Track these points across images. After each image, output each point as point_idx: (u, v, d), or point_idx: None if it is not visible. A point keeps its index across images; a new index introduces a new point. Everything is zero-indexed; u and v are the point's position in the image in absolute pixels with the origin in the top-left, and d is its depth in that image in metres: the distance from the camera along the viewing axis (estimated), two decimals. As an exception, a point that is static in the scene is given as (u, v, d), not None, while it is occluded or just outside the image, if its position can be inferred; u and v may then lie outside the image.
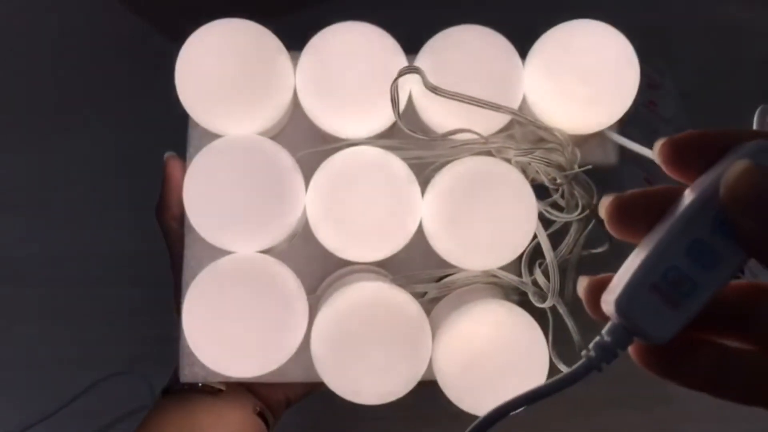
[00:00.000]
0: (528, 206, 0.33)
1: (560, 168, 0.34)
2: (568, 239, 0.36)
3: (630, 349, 0.22)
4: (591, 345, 0.22)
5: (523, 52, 0.37)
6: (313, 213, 0.34)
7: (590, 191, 0.35)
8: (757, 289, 0.22)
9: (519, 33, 0.37)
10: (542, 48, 0.36)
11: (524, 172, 0.36)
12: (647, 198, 0.22)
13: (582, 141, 0.38)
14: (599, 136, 0.37)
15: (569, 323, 0.34)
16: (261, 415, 0.39)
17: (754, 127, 0.25)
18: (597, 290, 0.23)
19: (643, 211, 0.22)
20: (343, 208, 0.33)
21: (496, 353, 0.33)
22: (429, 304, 0.37)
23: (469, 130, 0.34)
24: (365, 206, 0.33)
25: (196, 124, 0.36)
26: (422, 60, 0.35)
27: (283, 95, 0.36)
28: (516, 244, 0.34)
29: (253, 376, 0.33)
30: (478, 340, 0.34)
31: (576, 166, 0.35)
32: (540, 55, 0.36)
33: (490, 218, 0.33)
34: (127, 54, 0.61)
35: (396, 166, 0.34)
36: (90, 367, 0.52)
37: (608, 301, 0.22)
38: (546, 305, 0.34)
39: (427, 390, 0.34)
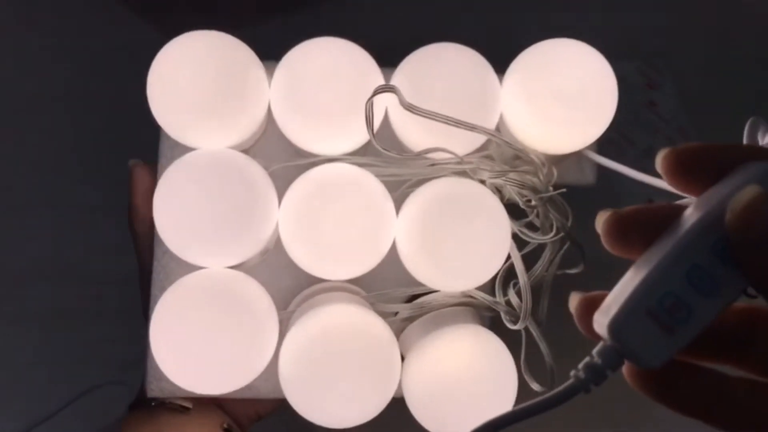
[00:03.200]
0: (502, 229, 0.36)
1: (534, 190, 0.36)
2: (543, 260, 0.38)
3: (624, 371, 0.23)
4: (581, 365, 0.23)
5: (500, 70, 0.39)
6: (286, 230, 0.36)
7: (565, 213, 0.38)
8: (756, 313, 0.23)
9: (497, 51, 0.39)
10: (520, 67, 0.38)
11: (500, 192, 0.39)
12: (646, 215, 0.23)
13: (559, 160, 0.40)
14: (576, 155, 0.39)
15: (541, 346, 0.36)
16: (228, 430, 0.41)
17: (744, 139, 0.26)
18: (589, 308, 0.23)
19: (641, 228, 0.23)
20: (317, 224, 0.36)
21: (466, 379, 0.36)
22: (401, 323, 0.39)
23: (444, 150, 0.37)
24: (339, 224, 0.36)
25: (168, 136, 0.38)
26: (398, 77, 0.38)
27: (257, 109, 0.38)
28: (489, 267, 0.37)
29: (221, 394, 0.36)
30: (447, 365, 0.36)
31: (551, 188, 0.37)
32: (517, 74, 0.38)
33: (463, 240, 0.36)
34: (122, 52, 0.62)
35: (371, 183, 0.37)
36: (81, 372, 0.56)
37: (601, 323, 0.22)
38: (518, 327, 0.36)
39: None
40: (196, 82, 0.36)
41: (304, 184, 0.36)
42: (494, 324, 0.41)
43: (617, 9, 0.64)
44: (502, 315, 0.38)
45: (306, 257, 0.37)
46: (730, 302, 0.22)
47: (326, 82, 0.37)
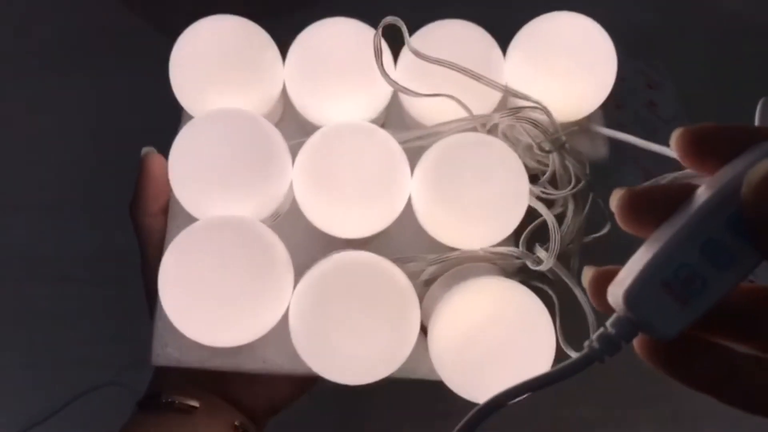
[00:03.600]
0: (519, 178, 0.36)
1: (546, 132, 0.35)
2: (568, 218, 0.37)
3: (635, 344, 0.23)
4: (594, 336, 0.23)
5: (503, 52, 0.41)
6: (300, 186, 0.36)
7: (583, 163, 0.36)
8: (765, 293, 0.23)
9: (501, 32, 0.41)
10: (521, 38, 0.40)
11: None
12: (660, 192, 0.23)
13: (570, 136, 0.41)
14: (587, 131, 0.41)
15: (576, 292, 0.34)
16: (240, 428, 0.39)
17: (756, 120, 0.26)
18: (602, 281, 0.24)
19: (655, 205, 0.23)
20: (331, 179, 0.35)
21: (497, 330, 0.33)
22: (422, 288, 0.38)
23: (454, 98, 0.36)
24: (353, 177, 0.35)
25: (189, 117, 0.39)
26: (406, 53, 0.39)
27: (272, 87, 0.39)
28: (509, 219, 0.36)
29: (234, 344, 0.34)
30: (477, 315, 0.34)
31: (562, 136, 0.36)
32: (519, 45, 0.40)
33: (480, 192, 0.35)
34: (122, 50, 0.63)
35: (384, 135, 0.36)
36: (80, 373, 0.54)
37: (616, 294, 0.23)
38: (543, 267, 0.35)
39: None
40: (214, 60, 0.38)
41: (316, 140, 0.36)
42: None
43: (617, 9, 0.66)
44: (528, 261, 0.36)
45: (320, 214, 0.36)
46: (744, 276, 0.22)
47: (336, 55, 0.38)
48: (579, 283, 0.35)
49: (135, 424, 0.38)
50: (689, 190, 0.23)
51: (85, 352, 0.55)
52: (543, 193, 0.38)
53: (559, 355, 0.34)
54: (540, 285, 0.37)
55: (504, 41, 0.40)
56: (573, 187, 0.38)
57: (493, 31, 0.40)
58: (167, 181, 0.36)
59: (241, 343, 0.34)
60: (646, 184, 0.24)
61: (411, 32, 0.38)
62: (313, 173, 0.36)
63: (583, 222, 0.38)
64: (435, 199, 0.35)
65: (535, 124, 0.37)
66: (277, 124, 0.42)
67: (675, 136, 0.23)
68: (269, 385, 0.40)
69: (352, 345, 0.32)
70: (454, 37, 0.39)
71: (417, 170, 0.37)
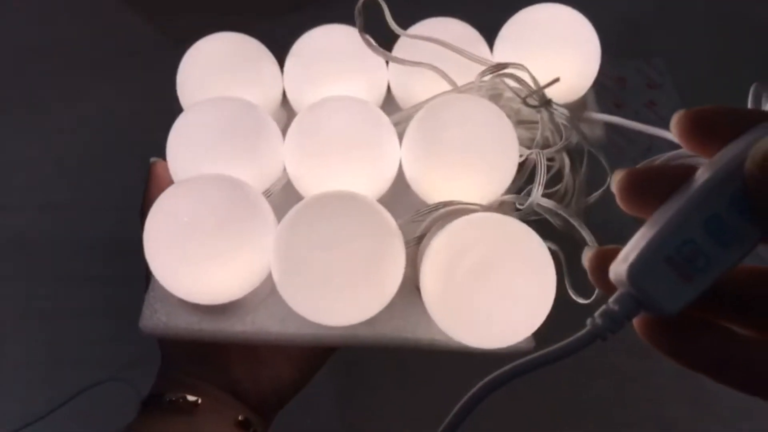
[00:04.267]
0: (502, 124, 0.36)
1: (530, 89, 0.36)
2: (565, 175, 0.37)
3: (636, 324, 0.23)
4: (597, 313, 0.23)
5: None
6: (291, 154, 0.37)
7: (570, 117, 0.37)
8: (761, 273, 0.23)
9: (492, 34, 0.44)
10: (505, 31, 0.44)
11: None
12: (661, 173, 0.24)
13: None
14: (583, 117, 0.42)
15: (584, 233, 0.34)
16: (244, 423, 0.39)
17: (749, 103, 0.27)
18: (603, 261, 0.24)
19: (656, 186, 0.23)
20: (321, 142, 0.36)
21: (486, 261, 0.31)
22: (415, 248, 0.37)
23: (436, 69, 0.39)
24: (342, 138, 0.36)
25: None
26: (397, 48, 0.42)
27: (272, 91, 0.43)
28: (500, 167, 0.36)
29: (223, 300, 0.34)
30: (465, 245, 0.31)
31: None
32: (504, 37, 0.43)
33: (466, 141, 0.36)
34: (125, 51, 0.65)
35: (370, 105, 0.38)
36: (82, 370, 0.53)
37: (619, 271, 0.23)
38: (530, 200, 0.35)
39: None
40: (218, 71, 0.41)
41: (305, 113, 0.38)
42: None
43: (617, 8, 0.67)
44: (516, 202, 0.36)
45: (311, 185, 0.37)
46: (746, 253, 0.22)
47: (331, 57, 0.41)
48: (583, 225, 0.35)
49: (138, 425, 0.38)
50: (689, 170, 0.23)
51: (85, 351, 0.55)
52: (538, 153, 0.38)
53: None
54: (548, 245, 0.37)
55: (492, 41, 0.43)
56: (564, 142, 0.38)
57: (480, 20, 0.43)
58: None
59: (230, 299, 0.34)
60: (643, 164, 0.24)
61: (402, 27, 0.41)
62: (303, 145, 0.37)
63: (584, 179, 0.38)
64: (424, 156, 0.36)
65: (518, 79, 0.38)
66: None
67: (675, 118, 0.23)
68: (272, 367, 0.40)
69: (333, 284, 0.32)
70: (443, 36, 0.40)
71: (405, 135, 0.38)
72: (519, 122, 0.40)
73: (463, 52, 0.39)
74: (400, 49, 0.42)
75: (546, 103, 0.38)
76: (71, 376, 0.53)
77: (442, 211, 0.36)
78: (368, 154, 0.37)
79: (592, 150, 0.38)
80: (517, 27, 0.43)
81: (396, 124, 0.39)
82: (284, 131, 0.39)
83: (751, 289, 0.23)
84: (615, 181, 0.24)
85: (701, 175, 0.22)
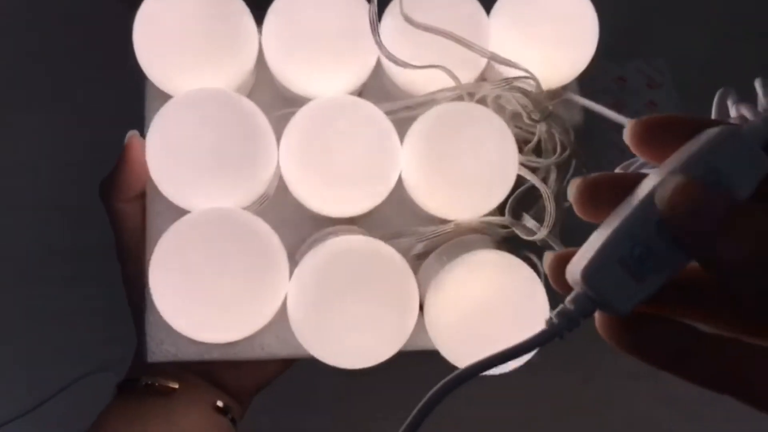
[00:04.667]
0: (509, 145, 0.36)
1: (536, 102, 0.36)
2: (550, 186, 0.37)
3: (597, 322, 0.24)
4: (554, 313, 0.24)
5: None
6: (288, 165, 0.36)
7: (567, 131, 0.37)
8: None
9: None
10: (506, 3, 0.41)
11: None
12: (614, 180, 0.25)
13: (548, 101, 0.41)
14: (565, 100, 0.41)
15: (556, 246, 0.35)
16: (223, 409, 0.39)
17: (713, 109, 0.28)
18: (561, 263, 0.25)
19: (610, 193, 0.25)
20: (320, 156, 0.35)
21: (494, 302, 0.34)
22: (416, 262, 0.39)
23: (442, 67, 0.37)
24: (343, 153, 0.35)
25: (155, 94, 0.39)
26: (388, 18, 0.39)
27: (247, 54, 0.38)
28: (499, 186, 0.36)
29: (228, 349, 0.34)
30: (473, 289, 0.34)
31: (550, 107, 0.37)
32: (504, 9, 0.41)
33: (470, 160, 0.36)
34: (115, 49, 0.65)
35: (372, 109, 0.37)
36: (69, 365, 0.53)
37: (574, 272, 0.24)
38: (537, 237, 0.34)
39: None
40: (183, 26, 0.36)
41: (304, 114, 0.36)
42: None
43: (617, 8, 0.67)
44: (518, 231, 0.36)
45: (310, 191, 0.36)
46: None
47: (318, 20, 0.37)
48: (561, 246, 0.36)
49: (113, 408, 0.39)
50: (640, 176, 0.24)
51: (71, 350, 0.56)
52: (528, 161, 0.39)
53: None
54: (528, 254, 0.38)
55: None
56: (559, 155, 0.38)
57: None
58: (145, 167, 0.36)
59: (240, 338, 0.34)
60: (602, 173, 0.25)
61: None
62: (302, 154, 0.36)
63: (564, 189, 0.39)
64: (426, 171, 0.36)
65: (525, 93, 0.37)
66: (250, 93, 0.42)
67: (627, 127, 0.25)
68: (256, 365, 0.40)
69: (355, 332, 0.33)
70: (438, 1, 0.39)
71: (406, 142, 0.37)
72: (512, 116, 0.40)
73: (472, 46, 0.37)
74: (391, 18, 0.38)
75: (547, 116, 0.38)
76: (56, 373, 0.53)
77: (443, 231, 0.37)
78: (371, 161, 0.36)
79: (580, 163, 0.39)
80: (518, 2, 0.40)
81: (390, 112, 0.38)
82: (252, 94, 0.39)
83: (706, 284, 0.25)
84: (571, 190, 0.25)
85: (652, 179, 0.23)
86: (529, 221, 0.37)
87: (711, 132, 0.23)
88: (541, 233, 0.36)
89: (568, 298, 0.24)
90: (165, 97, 0.38)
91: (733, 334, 0.23)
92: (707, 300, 0.25)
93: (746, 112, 0.26)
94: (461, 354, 0.34)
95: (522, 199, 0.38)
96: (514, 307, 0.34)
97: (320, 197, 0.36)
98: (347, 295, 0.33)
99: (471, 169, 0.35)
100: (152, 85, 0.39)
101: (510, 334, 0.32)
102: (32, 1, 0.68)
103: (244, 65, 0.39)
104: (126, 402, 0.39)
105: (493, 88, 0.38)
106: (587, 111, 0.42)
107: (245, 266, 0.33)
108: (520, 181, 0.38)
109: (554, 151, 0.39)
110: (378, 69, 0.40)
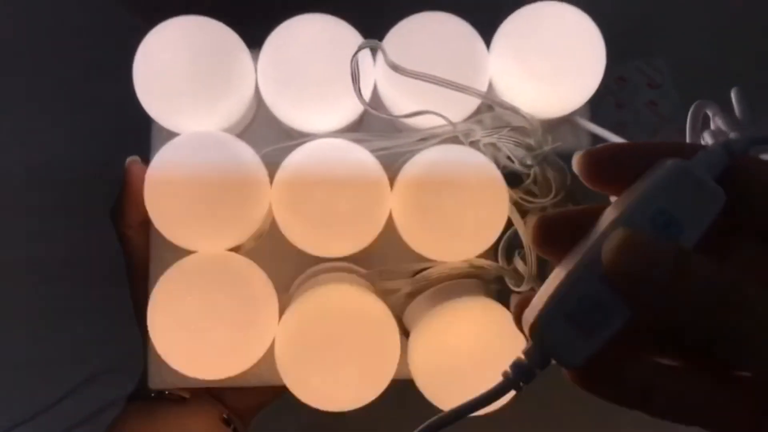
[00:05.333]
0: (499, 191, 0.37)
1: (529, 148, 0.36)
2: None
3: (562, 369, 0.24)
4: (510, 365, 0.24)
5: (487, 42, 0.41)
6: (279, 207, 0.37)
7: (563, 173, 0.38)
8: None
9: (484, 23, 0.41)
10: (507, 30, 0.40)
11: (494, 160, 0.39)
12: (569, 217, 0.25)
13: (553, 127, 0.41)
14: (570, 122, 0.41)
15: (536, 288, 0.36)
16: (228, 422, 0.42)
17: (688, 123, 0.28)
18: (523, 308, 0.25)
19: (564, 231, 0.24)
20: (311, 200, 0.36)
21: (475, 352, 0.36)
22: (405, 299, 0.39)
23: (435, 113, 0.38)
24: (333, 197, 0.36)
25: (161, 128, 0.40)
26: (385, 46, 0.39)
27: (244, 91, 0.39)
28: (490, 232, 0.37)
29: (223, 379, 0.36)
30: (456, 337, 0.36)
31: (545, 147, 0.37)
32: (505, 37, 0.40)
33: (461, 206, 0.37)
34: (113, 51, 0.64)
35: (362, 155, 0.38)
36: (69, 368, 0.56)
37: (526, 324, 0.24)
38: (522, 288, 0.35)
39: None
40: (182, 64, 0.38)
41: (294, 160, 0.38)
42: (501, 298, 0.40)
43: (617, 8, 0.66)
44: (507, 278, 0.38)
45: (300, 235, 0.37)
46: None
47: (311, 56, 0.38)
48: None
49: (125, 414, 0.41)
50: (597, 211, 0.24)
51: (76, 352, 0.58)
52: (521, 199, 0.39)
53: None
54: (518, 291, 0.39)
55: (489, 25, 0.40)
56: (553, 197, 0.39)
57: (477, 15, 0.40)
58: None
59: (229, 376, 0.37)
60: (558, 210, 0.25)
61: (393, 21, 0.39)
62: (294, 197, 0.37)
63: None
64: (417, 215, 0.37)
65: (517, 143, 0.38)
66: (248, 127, 0.43)
67: (574, 160, 0.24)
68: (258, 389, 0.42)
69: (337, 382, 0.36)
70: (436, 32, 0.39)
71: (398, 184, 0.38)
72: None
73: (466, 89, 0.37)
74: (390, 44, 0.38)
75: (541, 161, 0.39)
76: (62, 375, 0.55)
77: (431, 275, 0.39)
78: (362, 209, 0.37)
79: (575, 204, 0.39)
80: (516, 28, 0.39)
81: (386, 148, 0.39)
82: (250, 128, 0.41)
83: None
84: (527, 229, 0.25)
85: (604, 222, 0.23)
86: (519, 263, 0.38)
87: (660, 167, 0.23)
88: (525, 285, 0.38)
89: (523, 350, 0.24)
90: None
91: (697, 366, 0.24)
92: (668, 338, 0.25)
93: (721, 125, 0.26)
94: (439, 394, 0.36)
95: (515, 237, 0.39)
96: (496, 355, 0.36)
97: (310, 240, 0.38)
98: (331, 349, 0.36)
99: (460, 216, 0.36)
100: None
101: (489, 381, 0.34)
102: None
103: (240, 100, 0.40)
104: (137, 409, 0.41)
105: (485, 135, 0.38)
106: (595, 136, 0.42)
107: (237, 314, 0.36)
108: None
109: (549, 191, 0.39)
110: (377, 100, 0.41)
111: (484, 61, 0.40)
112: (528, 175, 0.40)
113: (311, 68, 0.38)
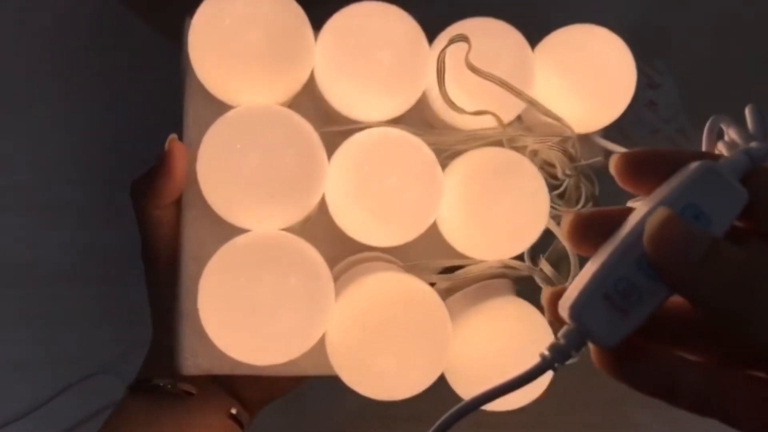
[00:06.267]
0: (543, 197, 0.40)
1: (572, 158, 0.38)
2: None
3: (591, 353, 0.27)
4: (547, 347, 0.27)
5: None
6: (335, 191, 0.38)
7: (593, 183, 0.40)
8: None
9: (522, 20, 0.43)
10: (551, 47, 0.43)
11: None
12: (603, 215, 0.27)
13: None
14: (586, 138, 0.45)
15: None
16: (235, 416, 0.42)
17: (704, 135, 0.30)
18: (556, 298, 0.27)
19: (598, 228, 0.27)
20: (367, 189, 0.37)
21: (512, 354, 0.37)
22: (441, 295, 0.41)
23: (491, 113, 0.39)
24: (392, 186, 0.37)
25: (195, 104, 0.39)
26: (436, 50, 0.40)
27: (304, 69, 0.39)
28: (530, 235, 0.40)
29: (264, 367, 0.36)
30: (494, 338, 0.38)
31: (586, 160, 0.39)
32: (549, 53, 0.43)
33: (507, 208, 0.39)
34: (118, 50, 0.64)
35: (424, 147, 0.38)
36: (66, 368, 0.56)
37: (564, 307, 0.26)
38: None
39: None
40: (243, 33, 0.36)
41: (353, 146, 0.38)
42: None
43: (617, 9, 0.67)
44: (539, 280, 0.40)
45: (355, 221, 0.38)
46: None
47: (373, 43, 0.38)
48: None
49: (125, 410, 0.40)
50: (627, 212, 0.27)
51: (74, 351, 0.58)
52: (552, 206, 0.41)
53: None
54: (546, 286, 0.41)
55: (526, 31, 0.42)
56: (583, 206, 0.41)
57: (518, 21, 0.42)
58: (184, 175, 0.38)
59: (278, 363, 0.36)
60: (591, 209, 0.28)
61: (443, 26, 0.40)
62: (354, 183, 0.37)
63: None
64: (462, 211, 0.39)
65: (565, 152, 0.40)
66: (295, 107, 0.42)
67: (612, 162, 0.27)
68: (273, 379, 0.42)
69: (392, 371, 0.35)
70: (491, 38, 0.40)
71: (447, 182, 0.39)
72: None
73: (523, 96, 0.38)
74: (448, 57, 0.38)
75: (578, 173, 0.41)
76: (58, 374, 0.55)
77: (463, 275, 0.41)
78: (411, 203, 0.37)
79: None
80: (563, 49, 0.42)
81: (431, 144, 0.39)
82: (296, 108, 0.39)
83: (690, 318, 0.27)
84: (563, 225, 0.28)
85: (636, 214, 0.26)
86: (545, 265, 0.41)
87: (689, 168, 0.25)
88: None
89: (560, 333, 0.26)
90: (207, 97, 0.39)
91: (719, 363, 0.26)
92: (693, 332, 0.28)
93: (735, 136, 0.28)
94: (470, 390, 0.38)
95: (539, 241, 0.41)
96: (528, 353, 0.36)
97: (359, 226, 0.38)
98: (385, 336, 0.35)
99: (504, 218, 0.38)
100: (193, 84, 0.40)
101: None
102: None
103: (299, 78, 0.39)
104: (137, 403, 0.40)
105: (534, 142, 0.40)
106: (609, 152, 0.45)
107: (301, 296, 0.35)
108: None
109: (578, 200, 0.42)
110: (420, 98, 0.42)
111: (533, 73, 0.41)
112: (559, 183, 0.42)
113: (372, 55, 0.37)
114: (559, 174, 0.41)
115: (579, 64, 0.41)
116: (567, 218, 0.27)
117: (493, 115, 0.39)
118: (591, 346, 0.26)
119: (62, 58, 0.64)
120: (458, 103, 0.40)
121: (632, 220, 0.26)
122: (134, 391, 0.40)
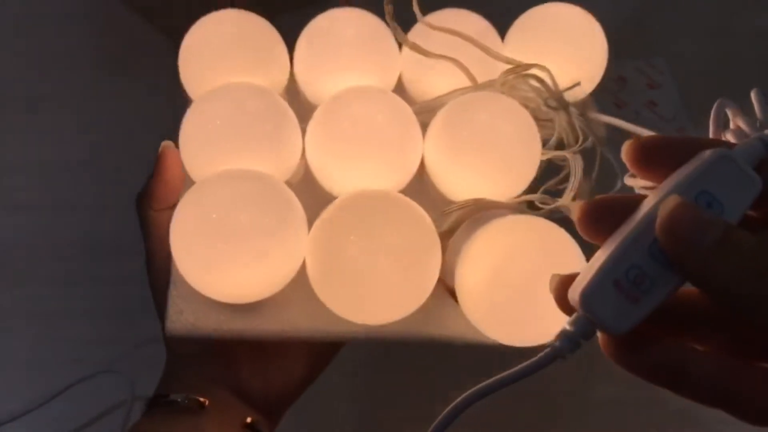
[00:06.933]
0: (529, 126, 0.39)
1: (550, 92, 0.38)
2: (577, 178, 0.40)
3: (600, 342, 0.26)
4: (556, 335, 0.26)
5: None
6: (313, 146, 0.39)
7: (587, 117, 0.39)
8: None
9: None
10: (518, 26, 0.47)
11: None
12: (614, 202, 0.27)
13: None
14: (586, 118, 0.45)
15: None
16: (251, 426, 0.40)
17: (711, 120, 0.31)
18: (565, 286, 0.27)
19: (610, 215, 0.27)
20: (344, 134, 0.38)
21: (527, 264, 0.33)
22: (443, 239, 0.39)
23: (457, 62, 0.41)
24: (366, 130, 0.38)
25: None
26: (411, 37, 0.44)
27: (280, 75, 0.44)
28: (524, 168, 0.39)
29: (254, 299, 0.35)
30: (504, 252, 0.34)
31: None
32: (517, 31, 0.46)
33: (493, 143, 0.38)
34: (122, 51, 0.67)
35: (393, 96, 0.40)
36: (71, 366, 0.55)
37: (574, 295, 0.26)
38: (563, 201, 0.38)
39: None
40: (225, 48, 0.41)
41: (327, 105, 0.39)
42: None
43: (617, 8, 0.69)
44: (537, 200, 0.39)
45: (333, 178, 0.39)
46: None
47: (343, 40, 0.42)
48: None
49: (143, 425, 0.39)
50: (639, 199, 0.27)
51: (79, 350, 0.57)
52: (553, 157, 0.41)
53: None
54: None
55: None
56: (582, 143, 0.41)
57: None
58: (181, 179, 0.39)
59: (261, 297, 0.36)
60: (603, 196, 0.27)
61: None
62: (326, 138, 0.38)
63: (593, 182, 0.41)
64: (448, 153, 0.39)
65: (540, 80, 0.41)
66: None
67: (624, 148, 0.27)
68: (281, 365, 0.41)
69: (374, 286, 0.33)
70: (457, 23, 0.42)
71: (429, 130, 0.40)
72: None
73: (489, 50, 0.41)
74: (415, 38, 0.42)
75: (565, 106, 0.41)
76: (64, 373, 0.55)
77: (471, 207, 0.38)
78: (393, 146, 0.38)
79: (604, 152, 0.41)
80: (528, 23, 0.45)
81: (416, 114, 0.40)
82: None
83: (701, 307, 0.27)
84: (574, 212, 0.27)
85: (647, 203, 0.26)
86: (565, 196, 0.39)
87: (703, 155, 0.25)
88: (567, 198, 0.38)
89: (569, 320, 0.26)
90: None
91: (726, 353, 0.26)
92: (703, 322, 0.27)
93: (743, 125, 0.29)
94: (489, 322, 0.35)
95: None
96: (546, 268, 0.31)
97: (340, 181, 0.39)
98: (368, 252, 0.33)
99: (493, 153, 0.38)
100: None
101: (542, 298, 0.31)
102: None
103: (276, 82, 0.44)
104: (154, 419, 0.39)
105: (506, 76, 0.41)
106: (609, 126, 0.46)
107: (263, 217, 0.34)
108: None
109: (576, 141, 0.41)
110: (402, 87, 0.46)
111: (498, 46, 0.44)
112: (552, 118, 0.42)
113: (345, 53, 0.42)
114: (541, 105, 0.41)
115: (547, 32, 0.44)
116: (578, 205, 0.27)
117: (457, 62, 0.40)
118: (599, 334, 0.26)
119: (63, 59, 0.67)
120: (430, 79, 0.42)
121: (644, 208, 0.26)
122: (151, 407, 0.40)
